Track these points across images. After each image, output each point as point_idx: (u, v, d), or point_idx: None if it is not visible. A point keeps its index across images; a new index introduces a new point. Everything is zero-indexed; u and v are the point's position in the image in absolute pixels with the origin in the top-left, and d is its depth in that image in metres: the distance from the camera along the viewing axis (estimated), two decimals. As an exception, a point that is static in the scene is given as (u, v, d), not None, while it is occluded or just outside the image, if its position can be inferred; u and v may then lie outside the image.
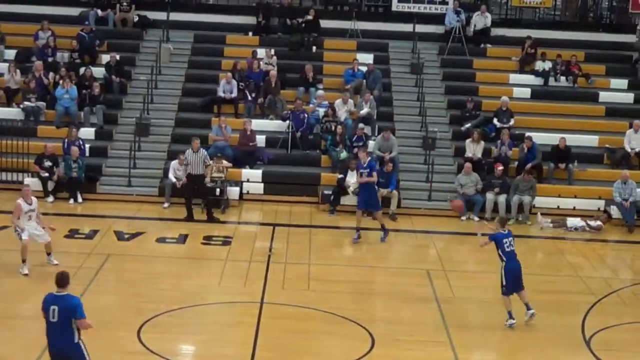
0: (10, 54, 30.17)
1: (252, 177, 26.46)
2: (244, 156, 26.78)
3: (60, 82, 28.04)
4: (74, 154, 25.42)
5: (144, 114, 28.12)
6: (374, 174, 22.63)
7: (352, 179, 25.35)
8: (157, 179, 26.12)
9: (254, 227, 24.37)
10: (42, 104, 27.91)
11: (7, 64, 29.00)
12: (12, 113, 27.81)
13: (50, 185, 25.38)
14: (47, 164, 25.50)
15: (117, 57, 29.68)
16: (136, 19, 32.26)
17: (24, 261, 18.86)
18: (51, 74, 28.74)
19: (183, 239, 22.42)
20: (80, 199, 25.24)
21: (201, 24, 32.43)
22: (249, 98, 28.80)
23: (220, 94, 28.77)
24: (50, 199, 25.20)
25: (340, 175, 25.66)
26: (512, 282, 17.02)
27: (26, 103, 27.72)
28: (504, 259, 17.02)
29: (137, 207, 25.01)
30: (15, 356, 14.85)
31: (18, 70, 28.58)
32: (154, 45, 31.23)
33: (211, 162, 24.74)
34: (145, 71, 29.93)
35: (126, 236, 22.37)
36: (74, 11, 32.17)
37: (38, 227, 19.19)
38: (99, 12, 32.08)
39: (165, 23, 31.78)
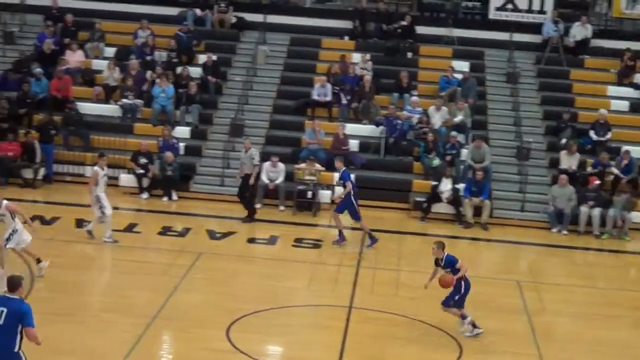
0: (110, 51, 30.69)
1: (344, 182, 26.50)
2: (337, 160, 26.80)
3: (157, 80, 28.45)
4: (168, 158, 25.73)
5: (238, 115, 28.40)
6: (347, 183, 22.37)
7: (445, 187, 25.28)
8: (250, 180, 26.28)
9: (345, 231, 24.34)
10: (139, 101, 28.38)
11: (106, 62, 29.51)
12: (110, 110, 28.41)
13: (145, 182, 25.77)
14: (143, 161, 25.89)
15: (214, 57, 29.97)
16: (233, 20, 32.48)
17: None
18: (148, 73, 29.17)
19: (274, 240, 22.59)
20: (175, 197, 25.58)
21: (297, 27, 32.60)
22: (343, 102, 28.85)
23: (315, 97, 28.86)
24: (145, 195, 25.60)
25: (434, 183, 25.53)
26: (465, 296, 16.66)
27: (124, 100, 28.21)
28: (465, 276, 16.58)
29: (229, 207, 25.17)
30: (107, 350, 15.02)
31: (117, 68, 29.08)
32: (250, 46, 31.50)
33: (260, 162, 24.53)
34: (241, 72, 30.24)
35: (217, 235, 22.61)
36: (173, 11, 32.56)
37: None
38: (198, 12, 32.42)
39: (262, 25, 32.00)
